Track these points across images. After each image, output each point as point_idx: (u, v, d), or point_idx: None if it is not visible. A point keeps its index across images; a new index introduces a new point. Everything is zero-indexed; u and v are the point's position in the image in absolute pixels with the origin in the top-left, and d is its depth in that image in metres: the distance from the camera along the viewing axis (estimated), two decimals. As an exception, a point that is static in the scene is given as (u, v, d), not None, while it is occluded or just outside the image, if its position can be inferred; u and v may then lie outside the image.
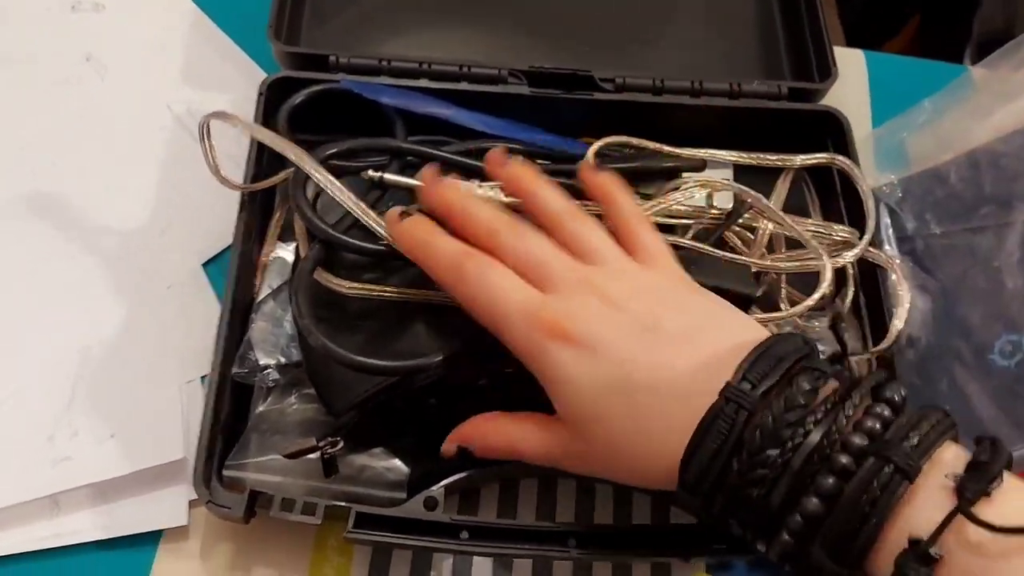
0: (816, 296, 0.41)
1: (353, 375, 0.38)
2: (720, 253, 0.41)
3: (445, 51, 0.51)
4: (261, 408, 0.41)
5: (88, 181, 0.49)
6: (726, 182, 0.45)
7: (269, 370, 0.41)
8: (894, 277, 0.43)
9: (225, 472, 0.39)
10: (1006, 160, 0.46)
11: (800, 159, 0.47)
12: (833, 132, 0.50)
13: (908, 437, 0.28)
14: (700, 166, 0.47)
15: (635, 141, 0.47)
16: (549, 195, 0.37)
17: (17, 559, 0.40)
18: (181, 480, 0.41)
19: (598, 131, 0.48)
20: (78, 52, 0.53)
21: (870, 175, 0.50)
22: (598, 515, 0.43)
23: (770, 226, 0.44)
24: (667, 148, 0.47)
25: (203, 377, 0.44)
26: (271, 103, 0.47)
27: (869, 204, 0.45)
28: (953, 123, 0.50)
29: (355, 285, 0.39)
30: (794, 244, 0.44)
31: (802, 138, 0.49)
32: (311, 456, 0.38)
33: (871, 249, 0.44)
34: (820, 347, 0.44)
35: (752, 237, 0.44)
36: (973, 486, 0.27)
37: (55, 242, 0.47)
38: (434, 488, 0.39)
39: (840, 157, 0.47)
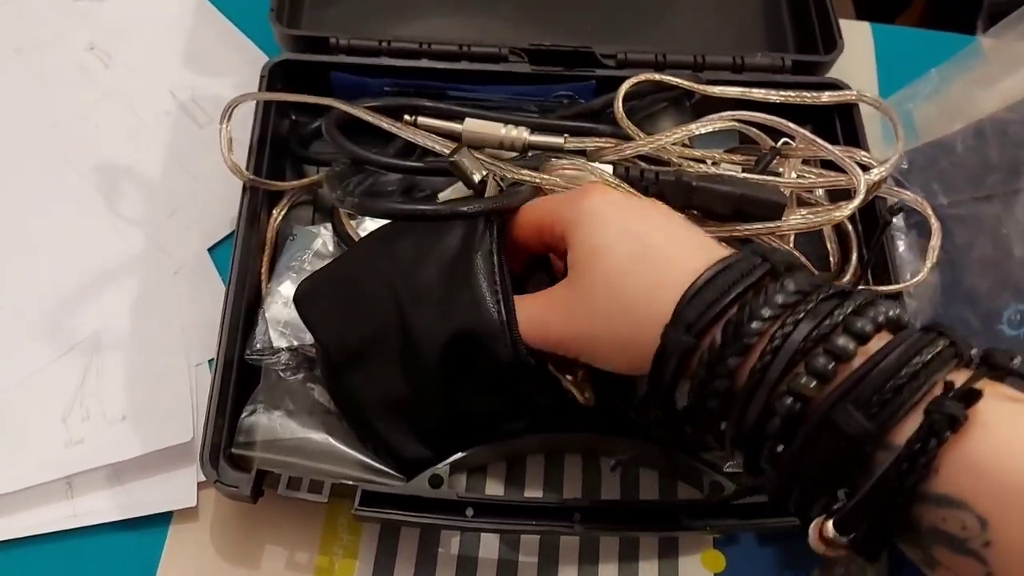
0: (855, 204, 0.40)
1: None
2: (755, 176, 0.41)
3: (446, 32, 0.51)
4: (265, 385, 0.41)
5: (96, 167, 0.50)
6: (759, 115, 0.43)
7: (282, 352, 0.41)
8: (930, 214, 0.44)
9: (233, 449, 0.40)
10: (1014, 127, 0.46)
11: (827, 95, 0.45)
12: (839, 104, 0.49)
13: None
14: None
15: (661, 77, 0.45)
16: None
17: (33, 541, 0.40)
18: (190, 462, 0.42)
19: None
20: (82, 41, 0.54)
21: (876, 148, 0.49)
22: (605, 491, 0.43)
23: (800, 155, 0.44)
24: (697, 85, 0.45)
25: (211, 360, 0.45)
26: (273, 86, 0.47)
27: (900, 130, 0.44)
28: (960, 93, 0.50)
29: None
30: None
31: (808, 110, 0.49)
32: (314, 436, 0.38)
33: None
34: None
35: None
36: (1000, 355, 0.27)
37: (64, 226, 0.48)
38: (440, 466, 0.39)
39: (868, 95, 0.46)
